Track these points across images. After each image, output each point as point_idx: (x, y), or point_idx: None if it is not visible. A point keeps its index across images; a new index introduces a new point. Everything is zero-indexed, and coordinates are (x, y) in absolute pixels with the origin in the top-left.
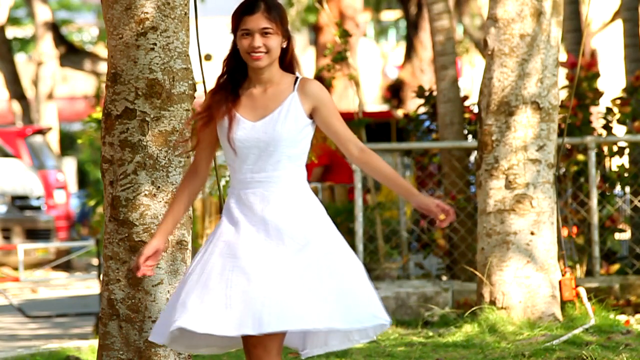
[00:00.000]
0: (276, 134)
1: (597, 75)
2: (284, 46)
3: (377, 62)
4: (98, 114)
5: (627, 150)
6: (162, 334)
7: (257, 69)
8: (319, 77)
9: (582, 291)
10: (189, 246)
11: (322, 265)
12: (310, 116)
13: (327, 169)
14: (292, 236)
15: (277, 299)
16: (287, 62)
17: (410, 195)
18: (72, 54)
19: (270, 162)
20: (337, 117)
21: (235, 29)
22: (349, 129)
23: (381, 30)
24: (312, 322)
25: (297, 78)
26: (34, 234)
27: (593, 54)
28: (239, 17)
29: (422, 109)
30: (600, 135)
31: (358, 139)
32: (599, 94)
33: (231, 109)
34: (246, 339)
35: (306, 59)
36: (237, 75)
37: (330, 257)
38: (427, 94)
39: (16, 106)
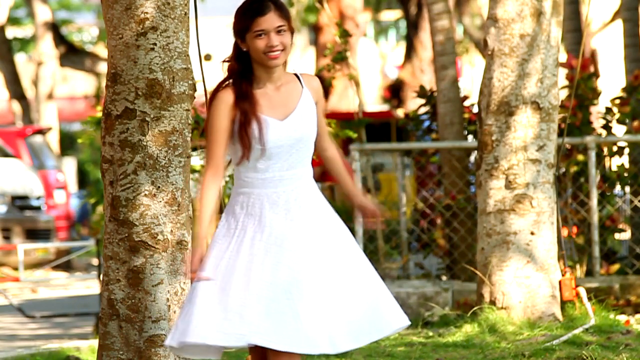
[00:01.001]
0: (306, 130)
1: (592, 75)
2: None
3: (376, 62)
4: (98, 114)
5: (627, 150)
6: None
7: (271, 68)
8: (319, 77)
9: (582, 291)
10: (189, 246)
11: (359, 266)
12: None
13: None
14: (329, 231)
15: (341, 316)
16: None
17: (353, 195)
18: (72, 54)
19: (300, 159)
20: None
21: (244, 31)
22: None
23: (381, 30)
24: (377, 333)
25: (295, 74)
26: (34, 234)
27: (593, 54)
28: (249, 19)
29: (423, 109)
30: (600, 135)
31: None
32: (596, 94)
33: (256, 111)
34: None
35: (306, 59)
36: (247, 76)
37: (358, 257)
38: (428, 94)
39: (16, 106)
